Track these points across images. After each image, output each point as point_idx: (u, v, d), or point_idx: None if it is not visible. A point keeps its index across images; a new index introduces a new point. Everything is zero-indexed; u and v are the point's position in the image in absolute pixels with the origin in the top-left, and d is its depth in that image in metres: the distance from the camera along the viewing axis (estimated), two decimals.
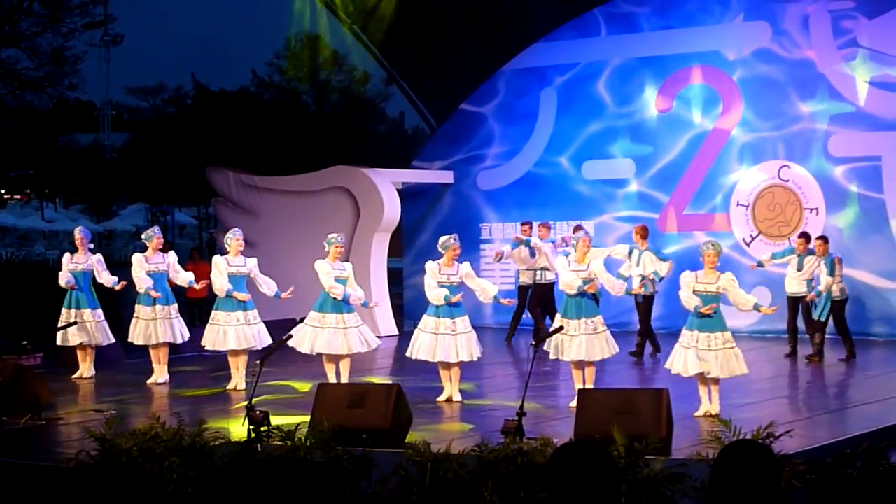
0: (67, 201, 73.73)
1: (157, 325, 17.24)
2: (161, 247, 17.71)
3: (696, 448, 9.81)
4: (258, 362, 12.83)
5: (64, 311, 17.87)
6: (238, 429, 11.72)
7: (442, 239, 15.55)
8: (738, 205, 22.98)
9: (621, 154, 24.26)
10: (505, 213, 25.03)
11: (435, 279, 15.18)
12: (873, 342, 20.58)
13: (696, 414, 13.67)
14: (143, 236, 17.95)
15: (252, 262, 17.01)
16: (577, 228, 19.25)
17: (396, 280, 25.16)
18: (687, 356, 13.88)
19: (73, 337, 17.74)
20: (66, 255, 18.17)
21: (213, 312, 16.89)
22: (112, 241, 67.62)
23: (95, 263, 17.96)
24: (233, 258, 16.89)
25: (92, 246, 18.43)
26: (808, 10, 22.42)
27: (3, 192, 70.60)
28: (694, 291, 14.00)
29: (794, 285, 19.35)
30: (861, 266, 21.17)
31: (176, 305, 17.62)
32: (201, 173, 26.39)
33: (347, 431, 10.67)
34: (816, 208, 22.15)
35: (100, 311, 18.02)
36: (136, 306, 17.45)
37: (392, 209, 23.80)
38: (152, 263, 17.38)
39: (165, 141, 59.94)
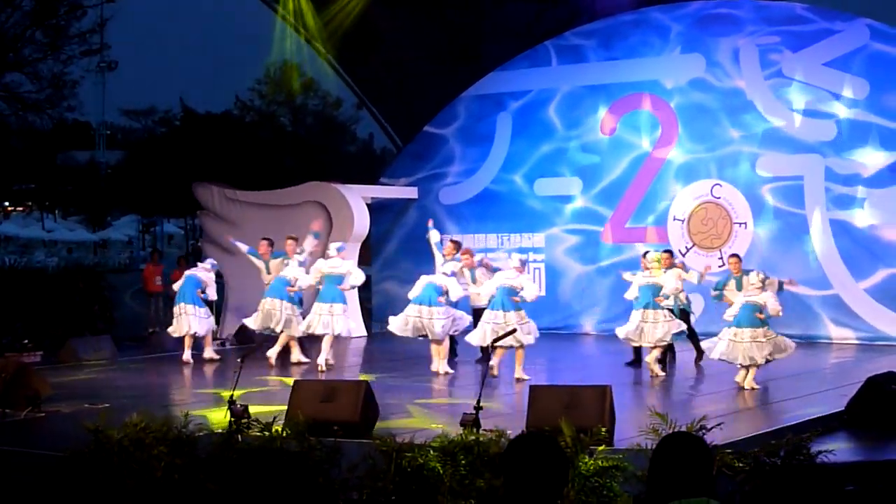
0: (66, 213, 73.37)
1: None
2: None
3: (636, 439, 9.81)
4: (239, 360, 12.76)
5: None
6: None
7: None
8: (674, 219, 23.05)
9: (569, 173, 24.30)
10: (464, 226, 25.04)
11: None
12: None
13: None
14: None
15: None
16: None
17: (365, 286, 25.04)
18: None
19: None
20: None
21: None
22: (107, 249, 67.36)
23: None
24: None
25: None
26: (738, 43, 22.55)
27: (6, 204, 70.23)
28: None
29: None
30: (784, 274, 21.27)
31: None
32: (188, 188, 26.26)
33: (320, 424, 10.63)
34: (745, 223, 22.26)
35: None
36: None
37: (362, 221, 23.76)
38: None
39: (156, 158, 59.66)
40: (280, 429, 9.65)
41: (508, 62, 25.28)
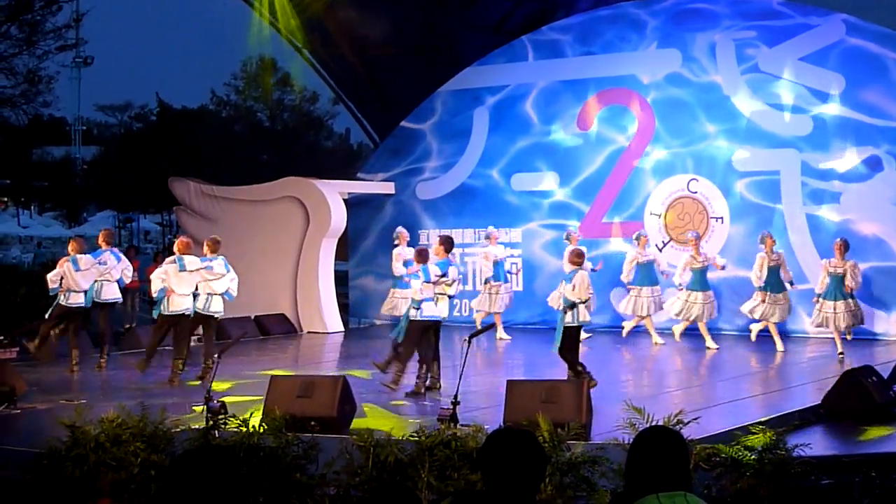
0: (42, 209, 73.07)
1: None
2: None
3: (613, 434, 9.84)
4: (216, 355, 12.73)
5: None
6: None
7: None
8: (651, 214, 23.08)
9: (546, 168, 24.30)
10: (441, 221, 25.02)
11: None
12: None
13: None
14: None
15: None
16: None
17: (342, 281, 25.07)
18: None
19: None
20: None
21: None
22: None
23: None
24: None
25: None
26: (714, 38, 22.59)
27: None
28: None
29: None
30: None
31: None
32: (164, 183, 26.19)
33: (297, 419, 10.63)
34: (721, 217, 22.31)
35: None
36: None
37: (339, 217, 23.73)
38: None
39: (132, 154, 59.54)
40: (257, 424, 9.64)
41: (485, 57, 25.27)
